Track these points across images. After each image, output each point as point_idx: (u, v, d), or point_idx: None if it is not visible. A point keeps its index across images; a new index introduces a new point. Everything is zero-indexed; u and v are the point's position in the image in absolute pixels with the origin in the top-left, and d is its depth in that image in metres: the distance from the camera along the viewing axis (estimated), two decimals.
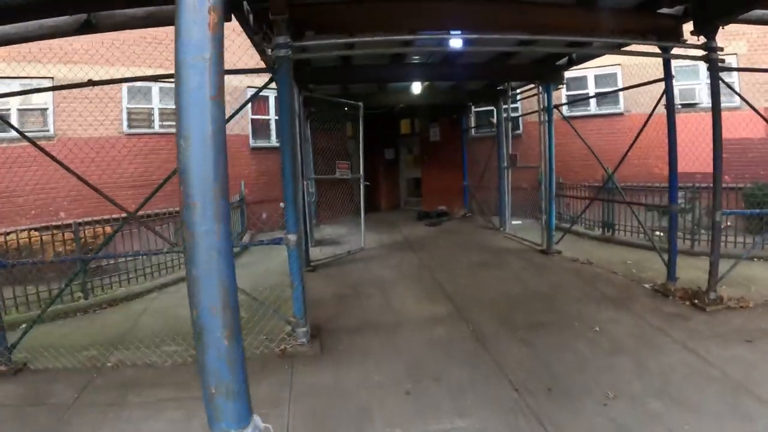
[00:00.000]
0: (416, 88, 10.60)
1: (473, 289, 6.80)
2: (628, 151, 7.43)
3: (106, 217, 10.55)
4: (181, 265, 9.01)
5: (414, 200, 16.92)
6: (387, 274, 7.81)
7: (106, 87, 10.38)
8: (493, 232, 11.58)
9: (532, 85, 10.25)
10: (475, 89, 11.78)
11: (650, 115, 6.89)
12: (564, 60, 8.66)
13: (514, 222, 11.84)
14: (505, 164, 11.02)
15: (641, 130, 7.05)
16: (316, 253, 9.52)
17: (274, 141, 13.62)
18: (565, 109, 12.02)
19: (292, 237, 4.71)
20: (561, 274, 7.44)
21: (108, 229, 9.09)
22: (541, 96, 9.03)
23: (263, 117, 13.53)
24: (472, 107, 14.51)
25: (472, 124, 14.75)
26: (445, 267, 8.10)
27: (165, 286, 8.13)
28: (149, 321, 6.41)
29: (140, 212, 10.29)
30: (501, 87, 11.48)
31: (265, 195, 13.13)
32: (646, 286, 6.59)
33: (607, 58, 11.67)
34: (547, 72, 8.88)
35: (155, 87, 11.91)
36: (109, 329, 5.97)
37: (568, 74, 9.35)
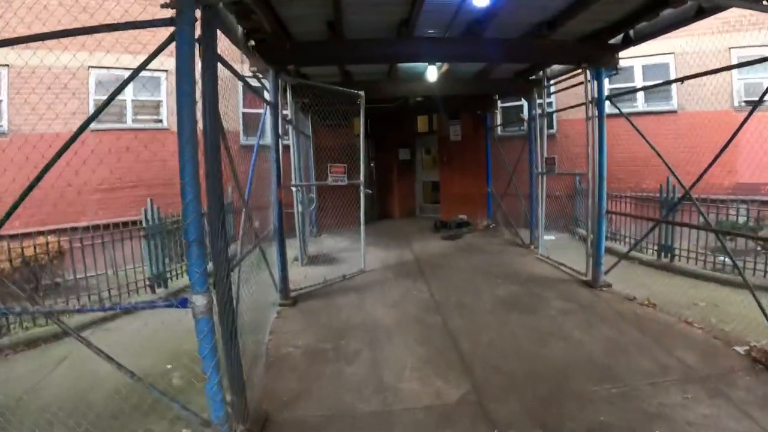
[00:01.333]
0: (432, 74, 8.68)
1: (499, 349, 4.89)
2: (714, 159, 5.40)
3: (65, 226, 9.02)
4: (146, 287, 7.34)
5: (431, 207, 15.01)
6: (384, 317, 5.94)
7: (69, 76, 8.81)
8: (522, 251, 9.63)
9: (570, 75, 8.31)
10: (503, 78, 9.82)
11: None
12: (618, 38, 6.70)
13: (546, 237, 9.88)
14: (540, 169, 9.02)
15: (738, 130, 5.06)
16: (302, 276, 7.72)
17: (268, 138, 11.84)
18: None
19: (200, 300, 2.81)
20: (617, 323, 5.48)
21: (58, 242, 7.50)
22: (589, 84, 7.06)
23: (258, 111, 11.74)
24: (498, 102, 12.56)
25: (498, 122, 12.81)
26: (462, 307, 6.20)
27: (108, 320, 6.43)
28: (59, 379, 4.74)
29: (107, 220, 8.39)
30: (534, 77, 9.54)
31: (257, 200, 11.32)
32: (739, 350, 4.62)
33: (658, 46, 9.67)
34: (597, 53, 6.91)
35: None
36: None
37: None
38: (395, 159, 14.74)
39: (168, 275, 7.66)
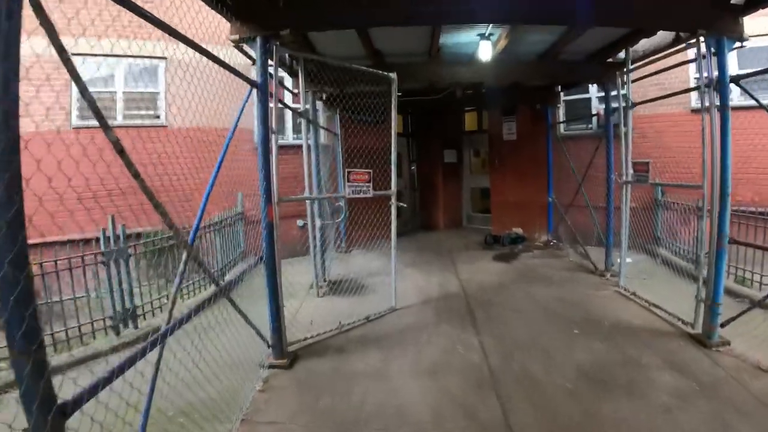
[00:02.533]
0: (485, 51, 6.71)
1: None
2: None
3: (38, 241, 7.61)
4: (106, 329, 5.76)
5: (480, 217, 13.03)
6: (416, 400, 4.03)
7: (47, 67, 7.38)
8: (596, 281, 7.57)
9: (667, 52, 6.29)
10: (575, 61, 7.76)
11: None
12: None
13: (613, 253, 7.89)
14: (625, 177, 6.91)
15: None
16: (313, 314, 6.00)
17: (290, 137, 10.20)
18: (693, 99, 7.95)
19: None
20: (758, 421, 3.48)
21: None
22: (705, 60, 5.01)
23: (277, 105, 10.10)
24: (561, 95, 10.51)
25: (561, 118, 10.75)
26: (530, 382, 4.26)
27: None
28: None
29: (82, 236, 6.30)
30: (611, 59, 7.51)
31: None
32: None
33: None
34: (715, 16, 4.88)
35: (121, 65, 8.78)
36: None
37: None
38: (439, 162, 12.85)
39: (141, 310, 6.06)
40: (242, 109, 4.39)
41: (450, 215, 13.07)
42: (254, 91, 4.51)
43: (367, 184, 5.64)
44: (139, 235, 7.61)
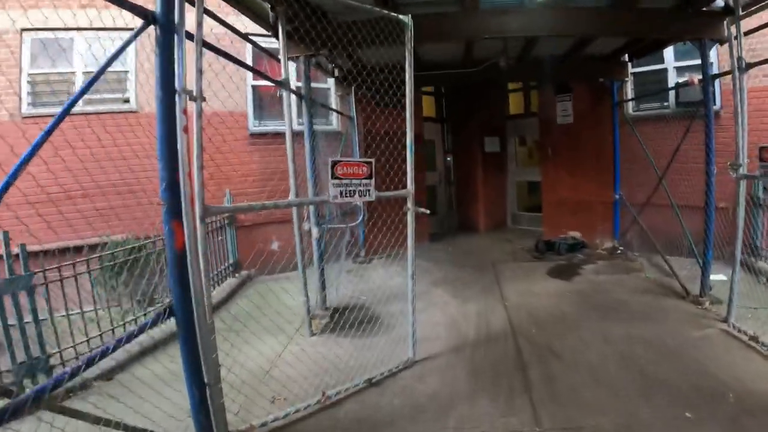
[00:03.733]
0: None
1: None
2: None
3: None
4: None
5: (528, 216, 11.02)
6: None
7: None
8: (691, 311, 5.53)
9: None
10: (659, 9, 5.67)
11: None
12: None
13: (713, 276, 5.84)
14: (743, 169, 4.81)
15: None
16: (297, 359, 4.25)
17: (295, 124, 8.44)
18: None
19: None
20: None
21: None
22: None
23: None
24: (630, 65, 8.42)
25: (630, 95, 8.66)
26: None
27: None
28: None
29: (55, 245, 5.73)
30: (705, 8, 5.46)
31: (273, 211, 8.08)
32: None
33: None
34: None
35: (79, 39, 7.23)
36: None
37: None
38: (479, 151, 10.87)
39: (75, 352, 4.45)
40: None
41: (492, 214, 11.10)
42: (153, 30, 2.73)
43: (366, 181, 3.77)
44: (95, 247, 6.14)
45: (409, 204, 4.22)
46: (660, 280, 6.78)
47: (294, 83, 5.25)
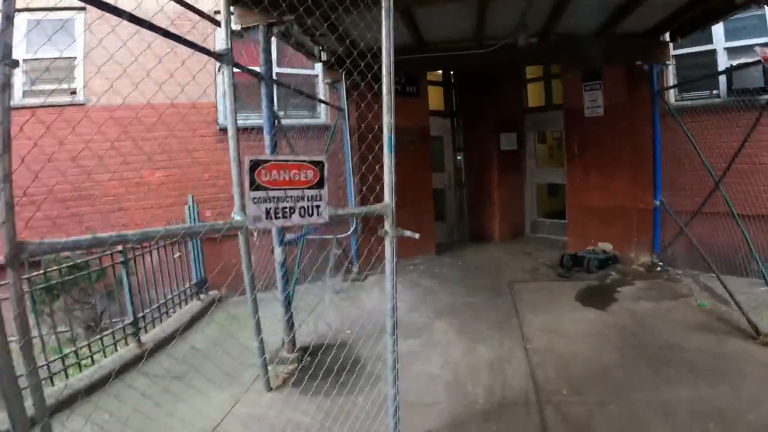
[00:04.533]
0: None
1: None
2: None
3: None
4: None
5: (549, 224, 9.66)
6: None
7: None
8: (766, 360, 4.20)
9: None
10: None
11: None
12: None
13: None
14: None
15: None
16: (248, 420, 3.03)
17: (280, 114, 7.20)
18: None
19: None
20: None
21: None
22: None
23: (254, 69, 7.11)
24: (671, 46, 7.05)
25: (671, 81, 7.30)
26: None
27: None
28: None
29: None
30: None
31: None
32: None
33: None
34: None
35: (20, 20, 6.05)
36: None
37: None
38: (494, 149, 9.53)
39: None
40: None
41: (508, 221, 9.75)
42: None
43: (312, 192, 2.45)
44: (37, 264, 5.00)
45: (387, 226, 2.92)
46: (716, 309, 5.42)
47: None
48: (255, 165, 2.23)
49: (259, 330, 4.03)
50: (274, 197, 2.27)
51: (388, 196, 2.79)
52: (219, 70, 3.61)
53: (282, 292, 4.51)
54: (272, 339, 4.64)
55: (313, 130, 7.00)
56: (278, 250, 4.44)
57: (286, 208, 2.31)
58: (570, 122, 8.25)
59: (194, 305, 6.32)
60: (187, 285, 6.42)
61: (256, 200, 2.23)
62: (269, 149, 4.32)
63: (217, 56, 3.65)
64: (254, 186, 2.23)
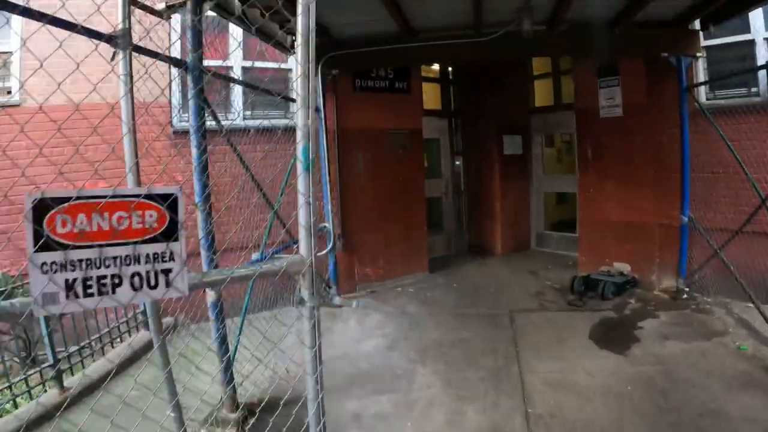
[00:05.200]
0: None
1: None
2: None
3: None
4: None
5: (558, 238, 8.65)
6: None
7: None
8: None
9: None
10: None
11: None
12: None
13: None
14: None
15: None
16: None
17: (240, 118, 6.21)
18: None
19: None
20: None
21: None
22: None
23: (217, 63, 6.13)
24: (701, 35, 6.03)
25: (702, 77, 6.28)
26: None
27: None
28: None
29: None
30: None
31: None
32: None
33: None
34: None
35: None
36: None
37: None
38: (496, 154, 8.52)
39: None
40: None
41: (512, 233, 8.74)
42: None
43: (155, 250, 1.46)
44: None
45: (304, 291, 1.91)
46: (759, 354, 4.42)
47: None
48: (42, 207, 1.27)
49: (173, 391, 3.07)
50: (80, 261, 1.31)
51: (304, 247, 1.81)
52: (113, 59, 2.64)
53: (216, 339, 3.56)
54: (215, 391, 3.70)
55: (284, 132, 6.05)
56: (211, 293, 3.49)
57: (104, 277, 1.35)
58: (583, 124, 7.24)
59: (139, 338, 5.39)
60: (132, 313, 5.50)
61: (46, 267, 1.27)
62: (196, 158, 3.36)
63: (110, 39, 2.69)
64: (41, 243, 1.27)
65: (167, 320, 5.87)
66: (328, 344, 5.02)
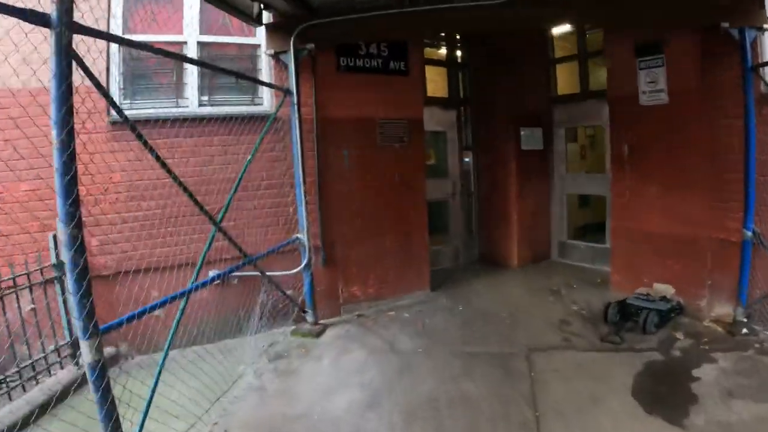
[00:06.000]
0: None
1: None
2: None
3: None
4: None
5: (584, 249, 7.42)
6: None
7: None
8: None
9: None
10: None
11: None
12: None
13: None
14: None
15: None
16: None
17: (195, 105, 5.03)
18: None
19: None
20: None
21: None
22: None
23: (168, 39, 4.95)
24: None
25: None
26: None
27: None
28: None
29: None
30: None
31: (152, 250, 4.90)
32: None
33: None
34: None
35: None
36: None
37: None
38: (513, 149, 7.30)
39: None
40: None
41: (529, 242, 7.51)
42: None
43: None
44: None
45: None
46: None
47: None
48: None
49: None
50: None
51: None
52: None
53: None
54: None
55: (247, 122, 4.88)
56: (86, 351, 2.36)
57: None
58: (618, 114, 6.00)
59: (62, 377, 4.30)
60: (53, 346, 4.40)
61: None
62: (58, 152, 2.20)
63: None
64: None
65: (109, 350, 4.81)
66: (287, 395, 3.90)
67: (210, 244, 3.95)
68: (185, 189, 3.44)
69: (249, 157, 4.43)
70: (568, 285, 6.40)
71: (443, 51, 7.68)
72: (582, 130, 8.06)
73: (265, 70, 5.18)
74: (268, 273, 4.85)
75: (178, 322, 3.61)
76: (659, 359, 4.33)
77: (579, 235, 7.66)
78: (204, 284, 3.96)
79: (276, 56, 5.00)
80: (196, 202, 3.51)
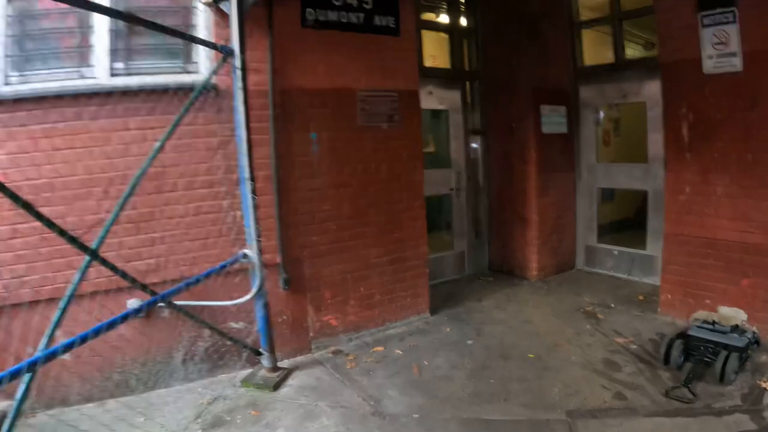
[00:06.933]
0: None
1: None
2: None
3: None
4: None
5: (618, 255, 6.10)
6: None
7: None
8: None
9: None
10: None
11: None
12: None
13: None
14: None
15: None
16: None
17: (105, 75, 3.66)
18: None
19: None
20: None
21: None
22: None
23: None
24: None
25: None
26: None
27: None
28: None
29: None
30: None
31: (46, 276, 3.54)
32: None
33: None
34: None
35: None
36: None
37: None
38: (532, 132, 5.97)
39: None
40: None
41: (552, 248, 6.19)
42: None
43: None
44: None
45: None
46: None
47: None
48: None
49: None
50: None
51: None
52: None
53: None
54: None
55: (177, 97, 3.52)
56: None
57: None
58: (673, 86, 4.64)
59: None
60: None
61: None
62: None
63: None
64: None
65: (3, 405, 3.53)
66: None
67: (83, 274, 2.66)
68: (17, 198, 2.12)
69: (157, 144, 3.09)
70: (605, 305, 5.08)
71: (444, 17, 6.32)
72: (623, 108, 6.70)
73: (204, 26, 3.82)
74: (205, 303, 3.54)
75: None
76: (752, 430, 3.01)
77: (613, 239, 6.32)
78: (120, 319, 2.66)
79: (215, 5, 3.64)
80: (39, 217, 2.19)
